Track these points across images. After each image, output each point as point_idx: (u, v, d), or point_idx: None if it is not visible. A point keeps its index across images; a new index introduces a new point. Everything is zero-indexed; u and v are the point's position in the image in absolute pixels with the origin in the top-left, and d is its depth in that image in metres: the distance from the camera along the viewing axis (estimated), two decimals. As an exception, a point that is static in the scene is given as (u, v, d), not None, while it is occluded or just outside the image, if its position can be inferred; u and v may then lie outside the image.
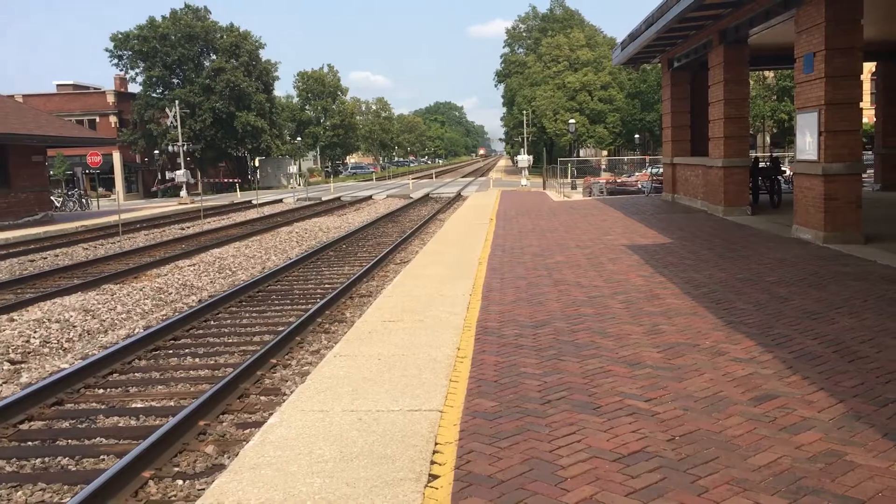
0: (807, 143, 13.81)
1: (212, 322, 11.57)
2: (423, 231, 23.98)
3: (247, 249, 21.05)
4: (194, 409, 6.93)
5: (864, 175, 15.66)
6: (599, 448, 4.64)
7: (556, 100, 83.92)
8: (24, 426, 7.23)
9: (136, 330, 11.36)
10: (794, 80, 14.69)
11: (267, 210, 38.28)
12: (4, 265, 19.94)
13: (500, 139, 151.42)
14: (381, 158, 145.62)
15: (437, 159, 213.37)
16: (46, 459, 6.39)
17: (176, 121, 55.89)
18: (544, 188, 41.88)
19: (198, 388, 8.25)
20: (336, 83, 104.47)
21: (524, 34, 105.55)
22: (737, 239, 14.41)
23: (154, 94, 71.09)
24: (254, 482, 4.34)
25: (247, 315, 12.06)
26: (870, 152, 27.57)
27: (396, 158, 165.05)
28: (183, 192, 50.85)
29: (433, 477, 4.33)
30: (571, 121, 54.53)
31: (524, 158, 52.14)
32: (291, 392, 7.23)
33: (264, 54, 76.79)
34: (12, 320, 12.16)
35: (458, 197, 41.46)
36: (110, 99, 70.06)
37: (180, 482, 5.83)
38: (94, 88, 73.63)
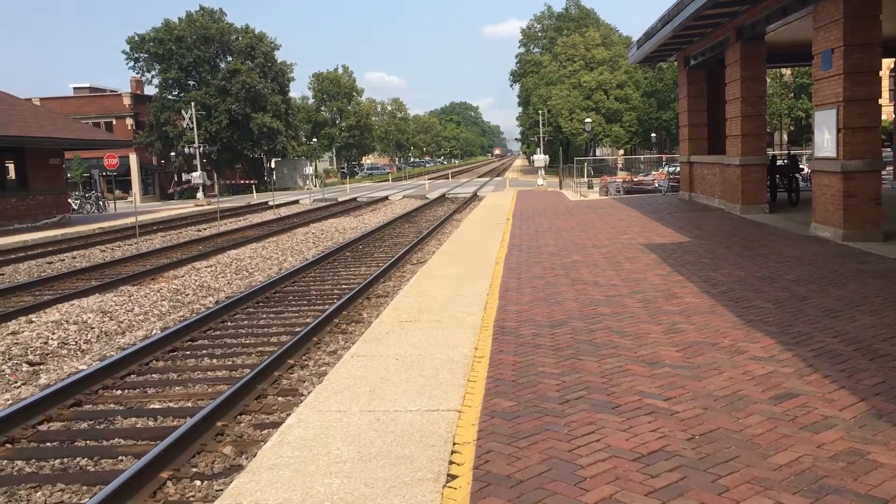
0: (825, 140, 13.71)
1: (229, 323, 11.59)
2: (439, 231, 23.97)
3: (263, 251, 21.10)
4: (212, 409, 6.94)
5: (882, 172, 15.53)
6: (619, 447, 4.60)
7: (571, 99, 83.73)
8: (43, 427, 7.26)
9: (154, 331, 11.40)
10: (812, 76, 14.58)
11: (283, 211, 38.37)
12: (23, 267, 20.08)
13: (516, 139, 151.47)
14: (397, 159, 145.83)
15: (452, 159, 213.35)
16: (65, 460, 6.41)
17: (192, 123, 56.13)
18: (560, 188, 41.80)
19: (215, 388, 8.26)
20: (351, 84, 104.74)
21: (539, 34, 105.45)
22: (755, 237, 14.31)
23: (170, 97, 71.51)
24: (272, 483, 4.34)
25: (264, 316, 12.07)
26: (888, 149, 27.37)
27: (412, 159, 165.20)
28: (199, 194, 51.10)
29: (452, 477, 4.31)
30: (588, 120, 54.28)
31: (540, 158, 51.88)
32: (309, 393, 7.24)
33: (279, 55, 77.19)
34: (31, 322, 12.23)
35: (475, 197, 41.41)
36: (126, 101, 70.54)
37: (198, 483, 5.84)
38: (111, 91, 74.17)
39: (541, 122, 78.77)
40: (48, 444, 6.87)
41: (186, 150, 61.52)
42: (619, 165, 66.04)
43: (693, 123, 24.26)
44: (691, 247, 13.46)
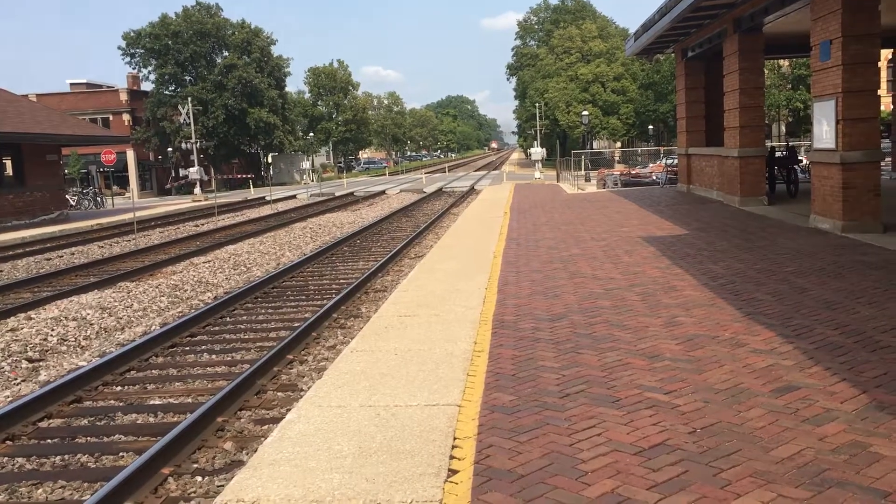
0: (824, 131, 13.69)
1: (228, 318, 11.58)
2: (437, 225, 23.96)
3: (261, 246, 21.09)
4: (212, 405, 6.93)
5: (881, 163, 15.52)
6: (620, 441, 4.60)
7: (568, 92, 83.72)
8: (44, 424, 7.25)
9: (153, 327, 11.40)
10: (811, 68, 14.56)
11: (280, 206, 38.32)
12: (21, 264, 20.05)
13: (513, 132, 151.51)
14: (393, 153, 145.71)
15: (449, 153, 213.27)
16: (66, 457, 6.40)
17: (189, 118, 56.04)
18: (558, 181, 41.76)
19: (215, 384, 8.26)
20: (347, 78, 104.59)
21: (536, 26, 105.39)
22: (754, 229, 14.30)
23: (167, 92, 71.36)
24: (273, 478, 4.33)
25: (262, 311, 12.07)
26: (887, 140, 27.34)
27: (409, 153, 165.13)
28: (197, 190, 51.00)
29: (453, 472, 4.30)
30: (584, 112, 54.36)
31: (537, 151, 51.83)
32: (309, 388, 7.21)
33: (276, 50, 76.91)
34: (30, 319, 12.22)
35: (472, 191, 41.38)
36: (123, 97, 70.38)
37: (199, 479, 5.83)
38: (108, 87, 74.00)
39: (538, 115, 78.81)
40: (49, 440, 6.86)
41: (183, 145, 61.44)
42: (617, 158, 66.03)
43: (691, 115, 24.23)
44: (690, 239, 13.45)
